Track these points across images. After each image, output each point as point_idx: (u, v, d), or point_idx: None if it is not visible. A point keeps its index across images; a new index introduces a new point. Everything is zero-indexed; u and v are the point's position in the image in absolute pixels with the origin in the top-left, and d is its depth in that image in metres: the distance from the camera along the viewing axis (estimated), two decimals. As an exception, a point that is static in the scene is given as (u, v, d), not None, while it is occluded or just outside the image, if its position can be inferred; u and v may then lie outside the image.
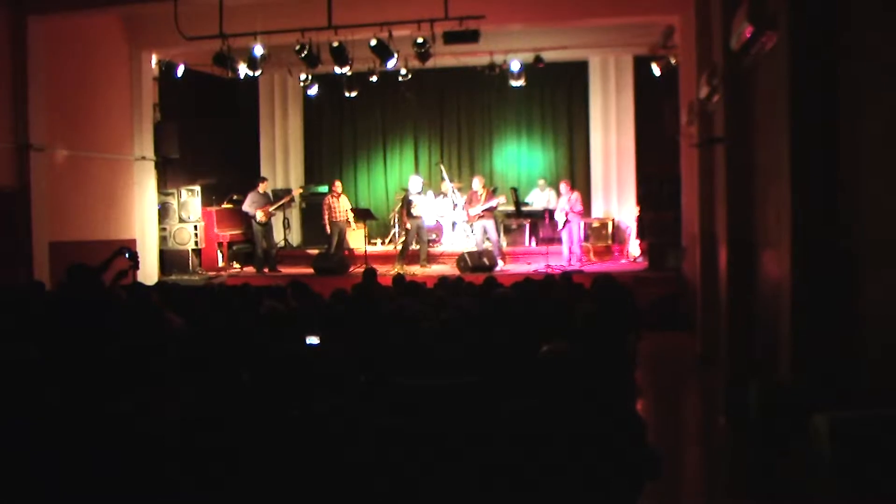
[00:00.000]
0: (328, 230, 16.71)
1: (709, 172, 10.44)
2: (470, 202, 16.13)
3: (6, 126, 13.05)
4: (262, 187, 16.69)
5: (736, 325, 8.44)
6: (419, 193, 16.67)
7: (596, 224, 17.76)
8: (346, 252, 16.95)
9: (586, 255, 16.58)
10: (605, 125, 18.94)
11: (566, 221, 15.68)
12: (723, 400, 8.34)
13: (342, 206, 16.77)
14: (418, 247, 16.46)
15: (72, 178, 14.30)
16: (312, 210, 18.62)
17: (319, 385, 4.35)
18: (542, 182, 18.60)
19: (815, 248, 5.67)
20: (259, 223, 16.30)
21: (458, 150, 20.60)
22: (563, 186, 16.04)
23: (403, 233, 16.83)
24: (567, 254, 15.86)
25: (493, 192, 16.00)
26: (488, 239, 16.08)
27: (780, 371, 6.15)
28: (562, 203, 15.84)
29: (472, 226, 16.34)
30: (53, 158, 13.73)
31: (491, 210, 15.89)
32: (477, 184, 16.16)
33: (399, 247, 16.82)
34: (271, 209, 16.57)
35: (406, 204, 16.48)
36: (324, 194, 17.59)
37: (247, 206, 16.42)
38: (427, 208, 16.71)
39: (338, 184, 17.17)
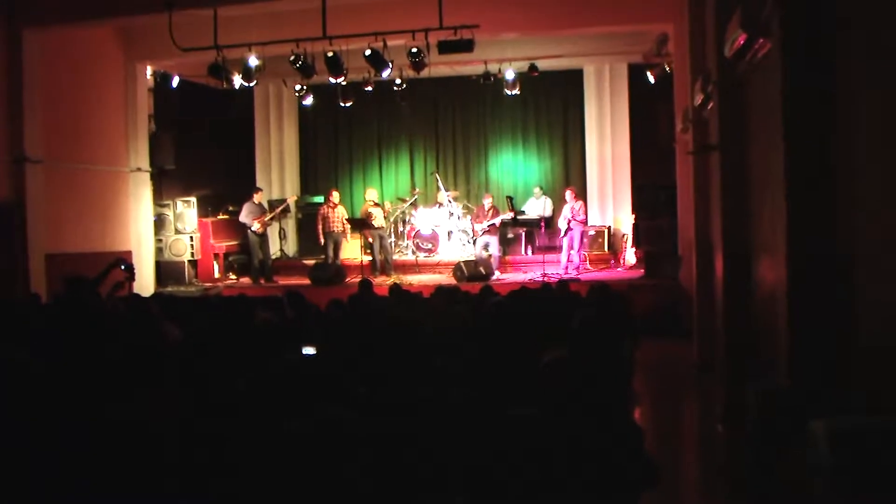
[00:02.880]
0: (321, 241, 16.75)
1: (704, 180, 10.46)
2: (477, 217, 16.25)
3: (1, 138, 13.04)
4: (256, 197, 16.70)
5: (733, 332, 8.45)
6: (376, 205, 16.78)
7: (592, 232, 17.75)
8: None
9: (583, 263, 16.58)
10: (600, 133, 18.96)
11: (568, 229, 15.70)
12: (720, 406, 8.35)
13: (338, 217, 16.78)
14: (382, 257, 16.62)
15: (67, 190, 14.29)
16: (308, 220, 18.62)
17: (316, 395, 4.34)
18: (537, 190, 18.63)
19: (810, 253, 5.68)
20: (255, 233, 16.29)
21: (454, 159, 20.62)
22: (569, 194, 16.08)
23: (368, 246, 16.92)
24: (565, 262, 15.89)
25: (497, 210, 16.09)
26: (487, 251, 16.16)
27: (777, 376, 6.15)
28: (565, 211, 15.85)
29: (475, 240, 16.45)
30: (49, 170, 13.70)
31: (495, 226, 15.98)
32: (487, 202, 16.32)
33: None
34: (267, 219, 16.57)
35: (365, 216, 16.56)
36: (319, 204, 17.59)
37: (243, 217, 16.43)
38: (382, 220, 16.83)
39: (335, 194, 17.16)
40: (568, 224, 15.70)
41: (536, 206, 18.25)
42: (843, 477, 3.17)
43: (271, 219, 16.99)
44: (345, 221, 16.89)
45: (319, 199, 18.50)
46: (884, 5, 4.82)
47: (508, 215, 16.09)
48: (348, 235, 17.04)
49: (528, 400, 3.94)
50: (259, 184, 19.32)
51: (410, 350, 5.60)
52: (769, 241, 6.79)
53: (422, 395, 4.31)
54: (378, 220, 16.53)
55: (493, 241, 16.15)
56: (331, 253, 16.67)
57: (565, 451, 3.58)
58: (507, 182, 20.05)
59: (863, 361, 5.14)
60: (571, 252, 15.92)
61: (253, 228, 16.23)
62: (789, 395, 5.54)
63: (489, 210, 16.05)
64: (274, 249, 18.18)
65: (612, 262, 17.45)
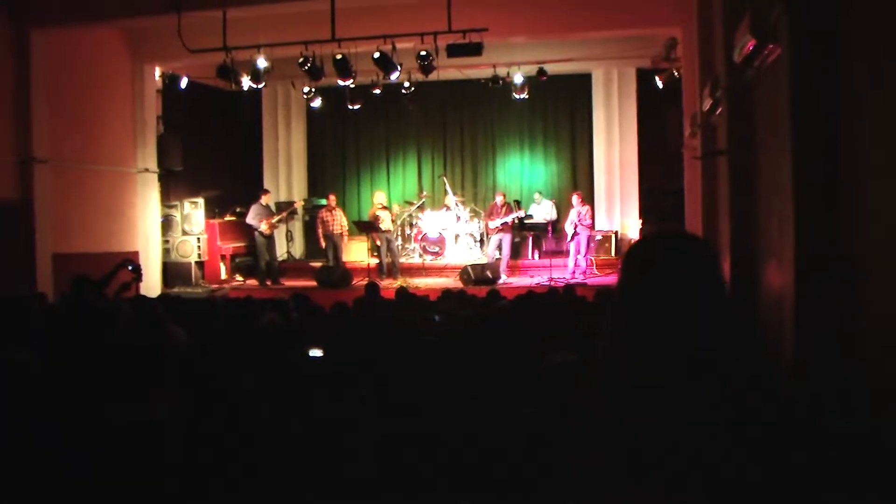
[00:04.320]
0: (322, 244, 16.80)
1: (712, 184, 10.43)
2: (490, 215, 16.24)
3: (9, 139, 13.08)
4: (264, 199, 16.71)
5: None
6: (384, 208, 16.82)
7: (599, 237, 17.70)
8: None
9: (590, 267, 16.54)
10: (608, 138, 18.94)
11: (575, 234, 15.67)
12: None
13: (337, 220, 16.83)
14: (389, 260, 16.62)
15: (75, 191, 14.32)
16: (315, 222, 18.65)
17: (320, 397, 4.33)
18: (537, 195, 18.60)
19: (817, 257, 5.65)
20: (262, 235, 16.30)
21: (462, 163, 20.62)
22: (575, 198, 16.02)
23: (375, 248, 16.92)
24: (572, 266, 15.84)
25: (510, 207, 16.06)
26: (499, 251, 16.14)
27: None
28: (572, 215, 15.82)
29: (489, 238, 16.45)
30: (56, 171, 13.73)
31: (509, 224, 15.94)
32: (499, 198, 16.29)
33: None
34: (274, 221, 16.59)
35: (373, 219, 16.58)
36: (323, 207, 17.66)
37: (250, 219, 16.44)
38: (389, 223, 16.87)
39: (332, 197, 17.29)
40: (574, 228, 15.67)
41: (539, 212, 18.22)
42: (847, 478, 3.15)
43: (278, 221, 17.01)
44: (343, 224, 16.95)
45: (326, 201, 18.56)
46: (890, 10, 4.79)
47: (521, 213, 16.07)
48: (345, 238, 17.09)
49: (530, 401, 3.92)
50: (266, 186, 19.34)
51: (415, 352, 5.59)
52: (776, 245, 6.76)
53: (425, 397, 4.30)
54: (385, 222, 16.55)
55: (507, 238, 16.09)
56: (331, 255, 16.72)
57: (567, 451, 3.56)
58: (515, 186, 20.01)
59: (868, 363, 5.12)
60: (578, 256, 15.88)
61: (260, 230, 16.24)
62: (794, 397, 5.52)
63: (502, 206, 16.01)
64: (281, 251, 18.20)
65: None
